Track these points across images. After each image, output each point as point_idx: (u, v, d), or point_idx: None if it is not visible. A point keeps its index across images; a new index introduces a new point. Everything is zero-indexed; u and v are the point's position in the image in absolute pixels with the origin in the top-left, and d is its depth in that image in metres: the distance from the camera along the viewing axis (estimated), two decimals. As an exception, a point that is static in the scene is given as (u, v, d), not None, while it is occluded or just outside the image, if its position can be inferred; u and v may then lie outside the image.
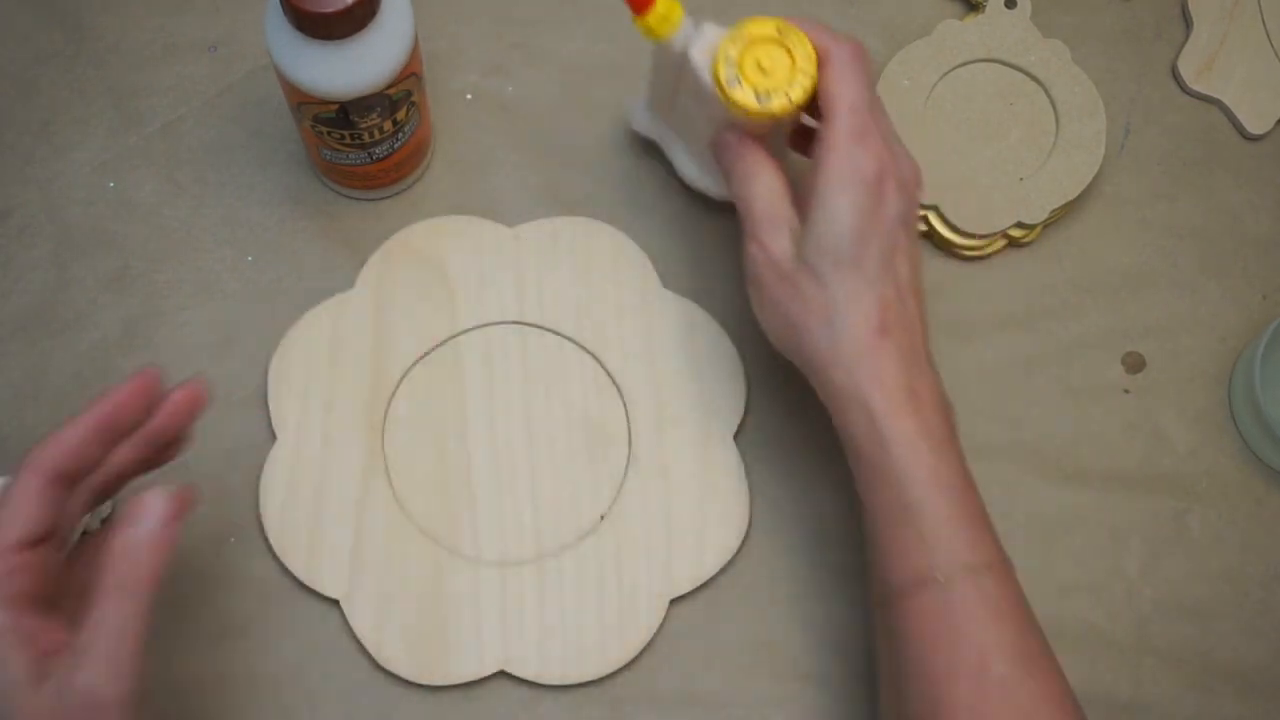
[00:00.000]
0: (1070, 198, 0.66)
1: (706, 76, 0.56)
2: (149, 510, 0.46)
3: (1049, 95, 0.67)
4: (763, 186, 0.57)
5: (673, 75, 0.59)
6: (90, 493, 0.51)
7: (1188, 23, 0.72)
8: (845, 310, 0.54)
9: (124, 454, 0.50)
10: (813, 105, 0.56)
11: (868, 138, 0.54)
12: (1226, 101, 0.70)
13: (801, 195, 0.56)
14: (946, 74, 0.68)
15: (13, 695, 0.44)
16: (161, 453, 0.52)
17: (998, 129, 0.67)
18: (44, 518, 0.47)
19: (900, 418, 0.53)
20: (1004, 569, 0.54)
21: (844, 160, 0.54)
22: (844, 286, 0.54)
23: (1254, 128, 0.70)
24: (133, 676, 0.45)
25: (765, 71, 0.54)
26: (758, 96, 0.54)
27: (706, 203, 0.67)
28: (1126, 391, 0.66)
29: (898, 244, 0.55)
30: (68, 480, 0.48)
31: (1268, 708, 0.61)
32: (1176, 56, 0.71)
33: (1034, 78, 0.68)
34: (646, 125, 0.66)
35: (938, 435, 0.54)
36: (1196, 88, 0.70)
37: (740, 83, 0.54)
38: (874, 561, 0.55)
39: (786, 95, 0.54)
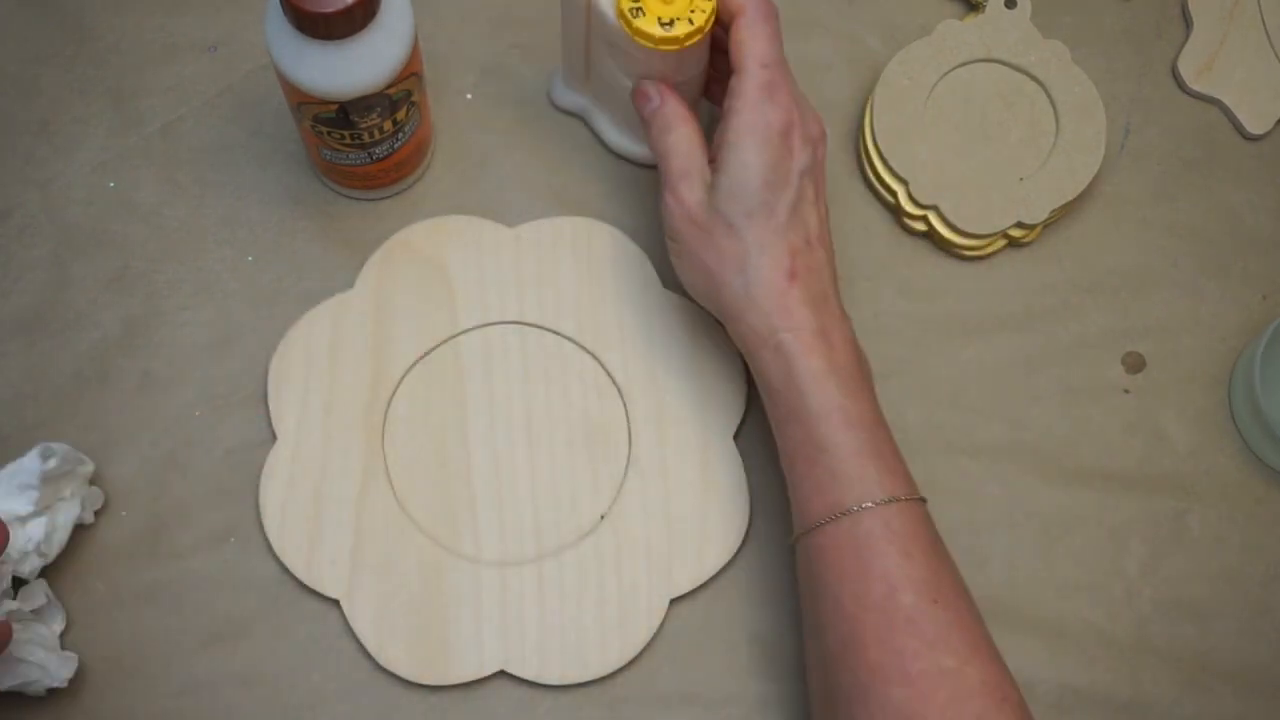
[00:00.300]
0: (1070, 198, 0.66)
1: (611, 12, 0.58)
2: None
3: (1049, 95, 0.67)
4: (680, 138, 0.59)
5: (583, 30, 0.61)
6: None
7: (1188, 23, 0.72)
8: (757, 258, 0.57)
9: None
10: (722, 59, 0.59)
11: (776, 91, 0.57)
12: (1226, 101, 0.70)
13: (713, 147, 0.58)
14: (947, 74, 0.68)
15: None
16: None
17: (998, 129, 0.67)
18: None
19: (810, 357, 0.56)
20: (912, 505, 0.55)
21: (753, 113, 0.56)
22: (755, 235, 0.57)
23: (1254, 128, 0.70)
24: None
25: (667, 1, 0.57)
26: (661, 24, 0.57)
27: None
28: (1126, 391, 0.66)
29: (804, 195, 0.58)
30: None
31: (1268, 708, 0.61)
32: (1176, 56, 0.71)
33: (1034, 78, 0.67)
34: (566, 98, 0.68)
35: (847, 375, 0.56)
36: (1196, 88, 0.70)
37: (644, 12, 0.57)
38: (791, 500, 0.57)
39: (689, 20, 0.57)
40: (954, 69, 0.68)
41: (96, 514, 0.61)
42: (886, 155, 0.67)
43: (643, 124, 0.61)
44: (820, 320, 0.57)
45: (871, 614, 0.53)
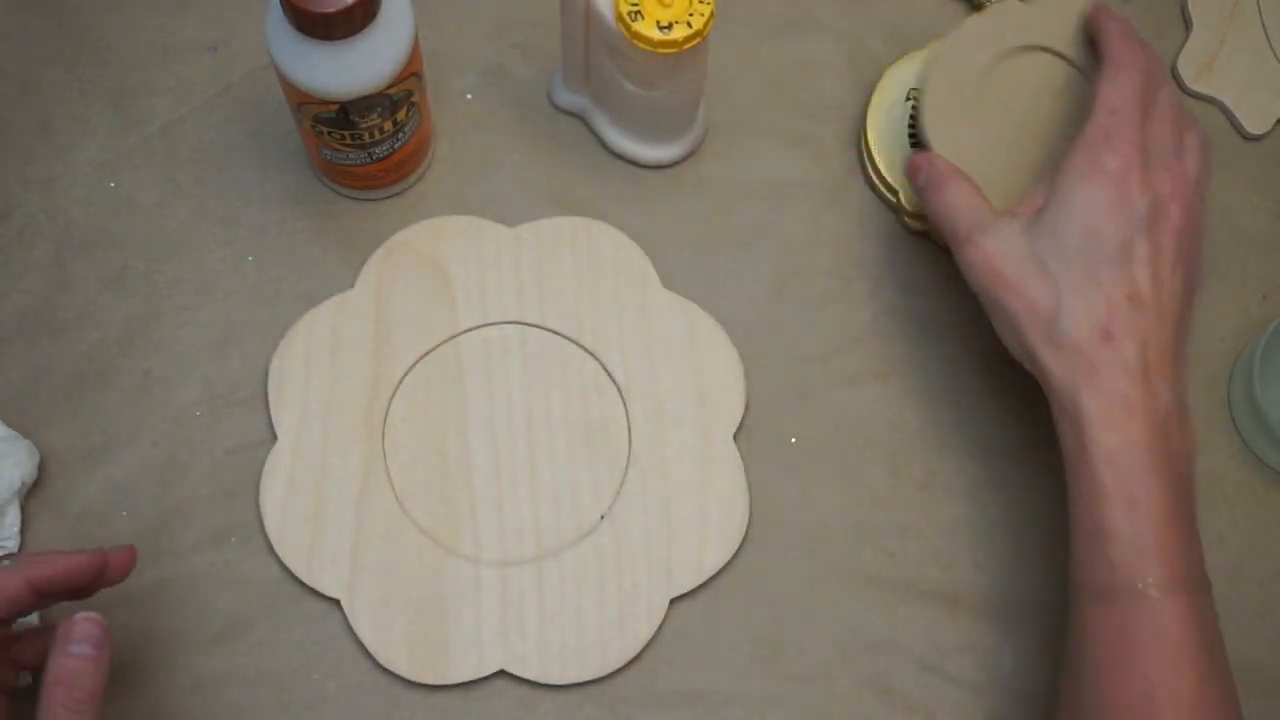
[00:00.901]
0: None
1: (609, 15, 0.58)
2: (86, 635, 0.50)
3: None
4: (954, 193, 0.58)
5: (582, 31, 0.61)
6: None
7: (1187, 23, 0.72)
8: (1069, 308, 0.53)
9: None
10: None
11: (1116, 137, 0.54)
12: (1226, 101, 0.70)
13: (1047, 189, 0.56)
14: (1003, 59, 0.64)
15: None
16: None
17: (1045, 126, 0.64)
18: None
19: (1106, 430, 0.52)
20: (1191, 601, 0.51)
21: (1086, 154, 0.54)
22: (1070, 283, 0.53)
23: (1254, 128, 0.70)
24: None
25: (665, 4, 0.57)
26: (659, 28, 0.57)
27: (707, 202, 0.67)
28: (1126, 391, 0.66)
29: (1136, 250, 0.53)
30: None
31: (1268, 708, 0.61)
32: (1176, 56, 0.71)
33: (1085, 74, 0.64)
34: (566, 98, 0.67)
35: (1145, 453, 0.52)
36: (1196, 88, 0.70)
37: (642, 16, 0.57)
38: (1068, 555, 0.54)
39: (687, 23, 0.57)
40: (1009, 54, 0.64)
41: (97, 512, 0.61)
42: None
43: (918, 196, 0.60)
44: (1129, 389, 0.52)
45: (1124, 715, 0.51)
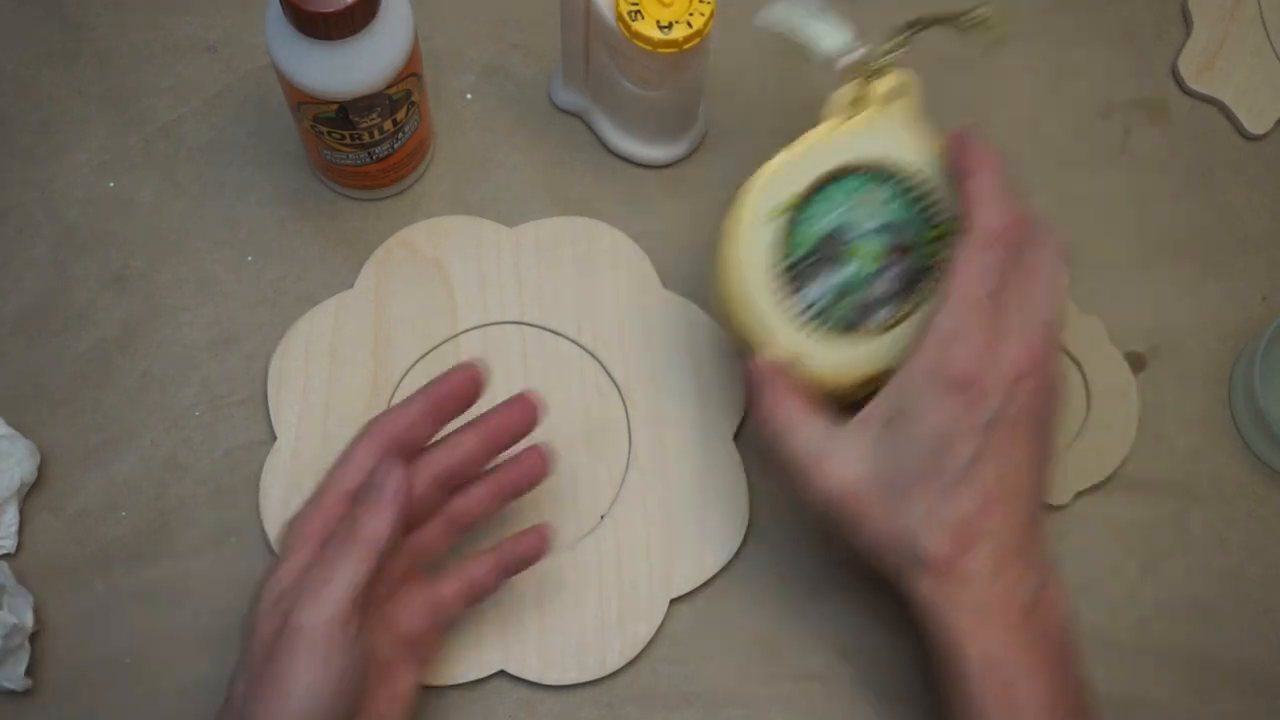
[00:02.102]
0: (1096, 481, 0.63)
1: (610, 15, 0.58)
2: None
3: (1082, 373, 0.64)
4: (790, 410, 0.54)
5: (583, 31, 0.61)
6: (449, 523, 0.56)
7: (1188, 23, 0.72)
8: (926, 527, 0.51)
9: (470, 443, 0.55)
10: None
11: (964, 338, 0.51)
12: (1226, 101, 0.70)
13: (888, 380, 0.53)
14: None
15: (256, 610, 0.52)
16: (511, 480, 0.57)
17: None
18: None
19: (978, 641, 0.51)
20: None
21: (934, 356, 0.51)
22: (924, 500, 0.51)
23: (1254, 128, 0.70)
24: (334, 616, 0.49)
25: (666, 4, 0.57)
26: (659, 27, 0.57)
27: (707, 202, 0.67)
28: (1126, 391, 0.66)
29: (988, 448, 0.51)
30: (400, 448, 0.54)
31: (1268, 708, 0.61)
32: (1176, 56, 0.71)
33: (1068, 354, 0.64)
34: (566, 98, 0.67)
35: (1021, 652, 0.51)
36: (1196, 88, 0.70)
37: (642, 15, 0.57)
38: None
39: (687, 23, 0.57)
40: None
41: (97, 512, 0.61)
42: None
43: (748, 402, 0.57)
44: (999, 592, 0.51)
45: None
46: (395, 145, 0.63)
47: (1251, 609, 0.63)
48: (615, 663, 0.60)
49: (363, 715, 0.52)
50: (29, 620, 0.58)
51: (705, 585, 0.62)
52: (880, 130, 0.57)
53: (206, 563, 0.61)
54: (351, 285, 0.65)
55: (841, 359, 0.55)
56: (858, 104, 0.57)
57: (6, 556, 0.60)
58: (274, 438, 0.62)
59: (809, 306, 0.56)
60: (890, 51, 0.57)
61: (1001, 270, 0.51)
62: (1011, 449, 0.51)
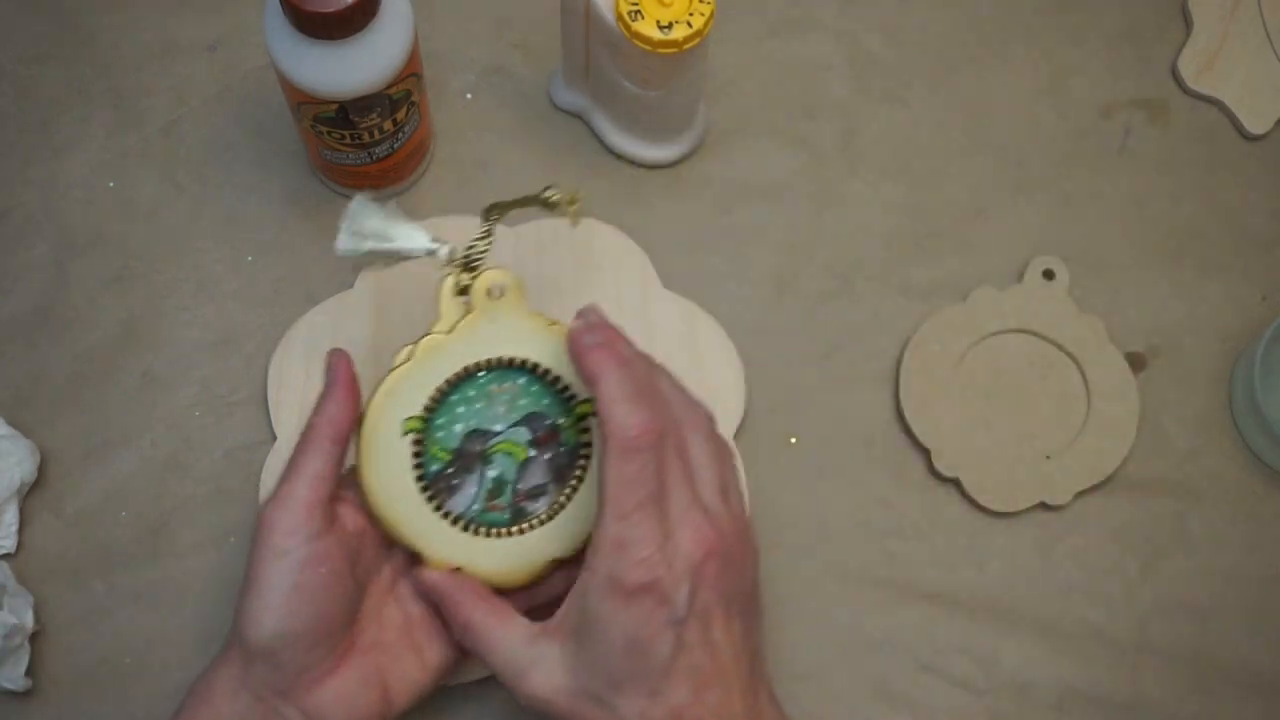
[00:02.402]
0: (1096, 481, 0.63)
1: (610, 15, 0.58)
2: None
3: (1082, 373, 0.65)
4: (481, 616, 0.52)
5: (583, 31, 0.61)
6: None
7: (1188, 23, 0.72)
8: None
9: None
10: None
11: (633, 546, 0.48)
12: (1226, 101, 0.70)
13: (575, 607, 0.51)
14: (979, 341, 0.65)
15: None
16: None
17: (1027, 402, 0.64)
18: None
19: None
20: None
21: (606, 570, 0.49)
22: (630, 706, 0.49)
23: (1254, 128, 0.70)
24: (293, 508, 0.51)
25: (666, 4, 0.57)
26: (659, 27, 0.57)
27: (707, 202, 0.67)
28: (1126, 391, 0.66)
29: (686, 638, 0.49)
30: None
31: (1268, 708, 0.61)
32: (1176, 56, 0.71)
33: (1068, 353, 0.65)
34: (566, 98, 0.68)
35: None
36: (1196, 88, 0.70)
37: (642, 15, 0.57)
38: None
39: (687, 23, 0.57)
40: (987, 337, 0.65)
41: (97, 512, 0.61)
42: (911, 423, 0.64)
43: (448, 622, 0.54)
44: None
45: None
46: (395, 145, 0.63)
47: (1251, 609, 0.63)
48: (615, 663, 0.60)
49: (387, 668, 0.53)
50: (29, 620, 0.58)
51: (705, 585, 0.61)
52: (499, 325, 0.55)
53: (206, 563, 0.61)
54: (351, 285, 0.65)
55: (508, 558, 0.54)
56: (468, 293, 0.56)
57: (6, 556, 0.60)
58: (274, 438, 0.62)
59: (461, 515, 0.55)
60: (478, 240, 0.55)
61: (654, 470, 0.49)
62: (710, 632, 0.50)
